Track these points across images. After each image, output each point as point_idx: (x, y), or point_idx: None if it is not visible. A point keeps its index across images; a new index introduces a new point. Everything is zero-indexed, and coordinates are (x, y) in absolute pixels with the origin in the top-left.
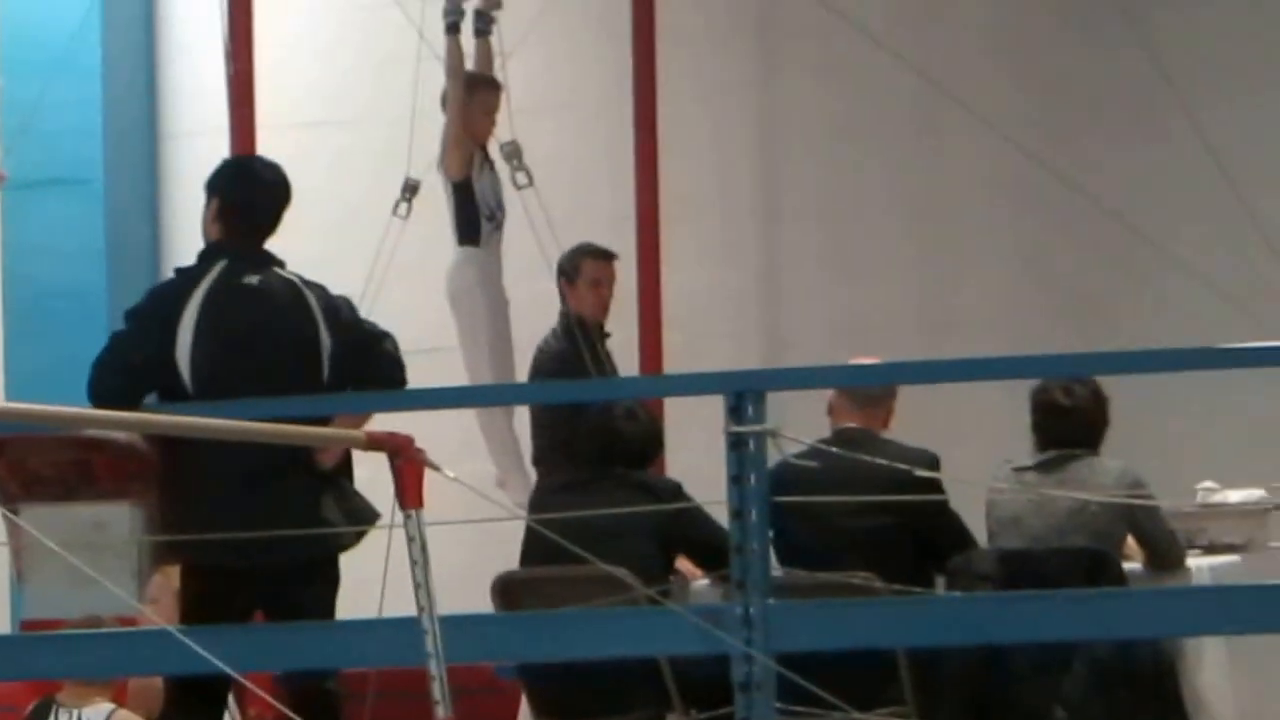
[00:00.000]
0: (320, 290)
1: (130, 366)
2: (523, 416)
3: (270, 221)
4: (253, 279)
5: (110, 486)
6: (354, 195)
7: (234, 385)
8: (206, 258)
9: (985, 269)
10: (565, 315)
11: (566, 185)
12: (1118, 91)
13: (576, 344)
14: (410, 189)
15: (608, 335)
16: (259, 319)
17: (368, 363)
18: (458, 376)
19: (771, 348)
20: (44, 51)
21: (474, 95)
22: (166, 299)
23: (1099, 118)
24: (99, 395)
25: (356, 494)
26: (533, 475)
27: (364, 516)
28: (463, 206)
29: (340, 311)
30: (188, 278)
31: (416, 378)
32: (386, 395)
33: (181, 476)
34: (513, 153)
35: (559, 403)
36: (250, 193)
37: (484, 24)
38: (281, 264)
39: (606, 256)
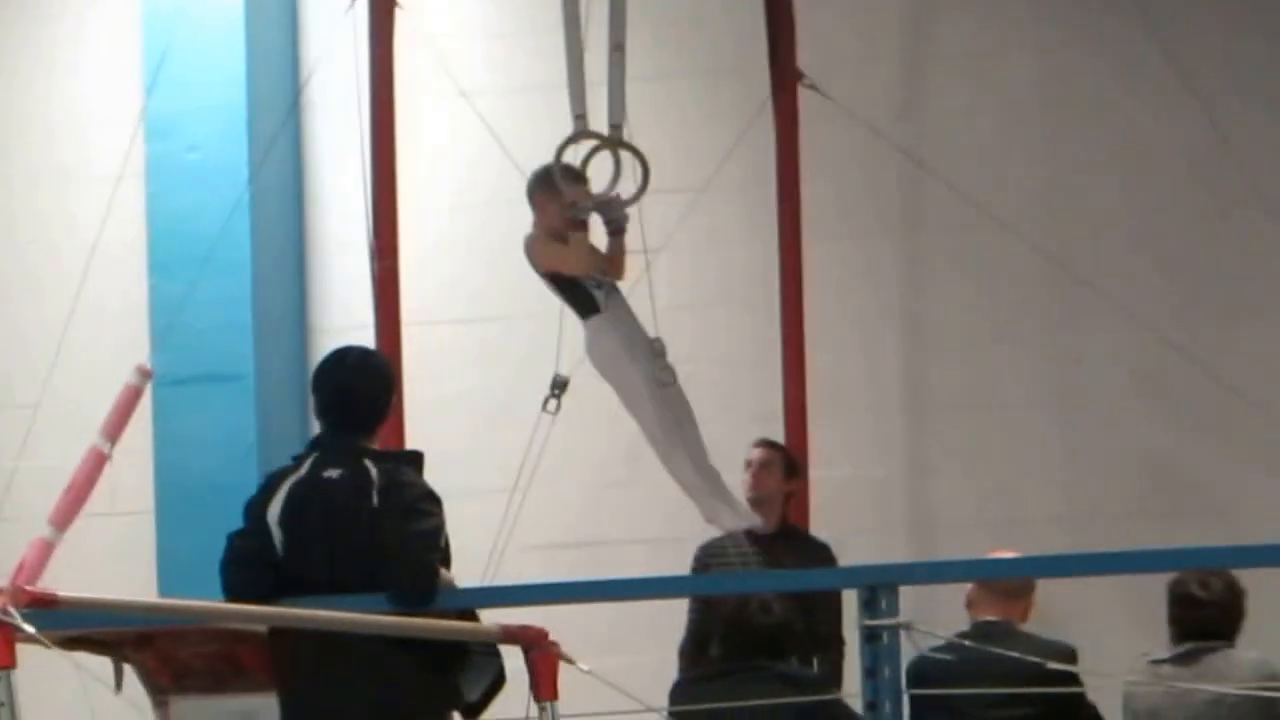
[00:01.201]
0: (394, 484)
1: (243, 560)
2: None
3: (351, 413)
4: (334, 473)
5: (257, 677)
6: (501, 391)
7: (310, 580)
8: (307, 451)
9: (1126, 462)
10: None
11: (713, 381)
12: (1261, 282)
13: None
14: (560, 385)
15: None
16: (328, 514)
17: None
18: (598, 569)
19: (917, 542)
20: (193, 247)
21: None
22: (262, 492)
23: (1241, 308)
24: (229, 589)
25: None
26: (741, 502)
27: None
28: (568, 290)
29: (399, 508)
30: (284, 471)
31: (562, 570)
32: (528, 588)
33: (284, 666)
34: (658, 350)
35: (703, 594)
36: (323, 386)
37: (618, 221)
38: (382, 455)
39: (761, 443)
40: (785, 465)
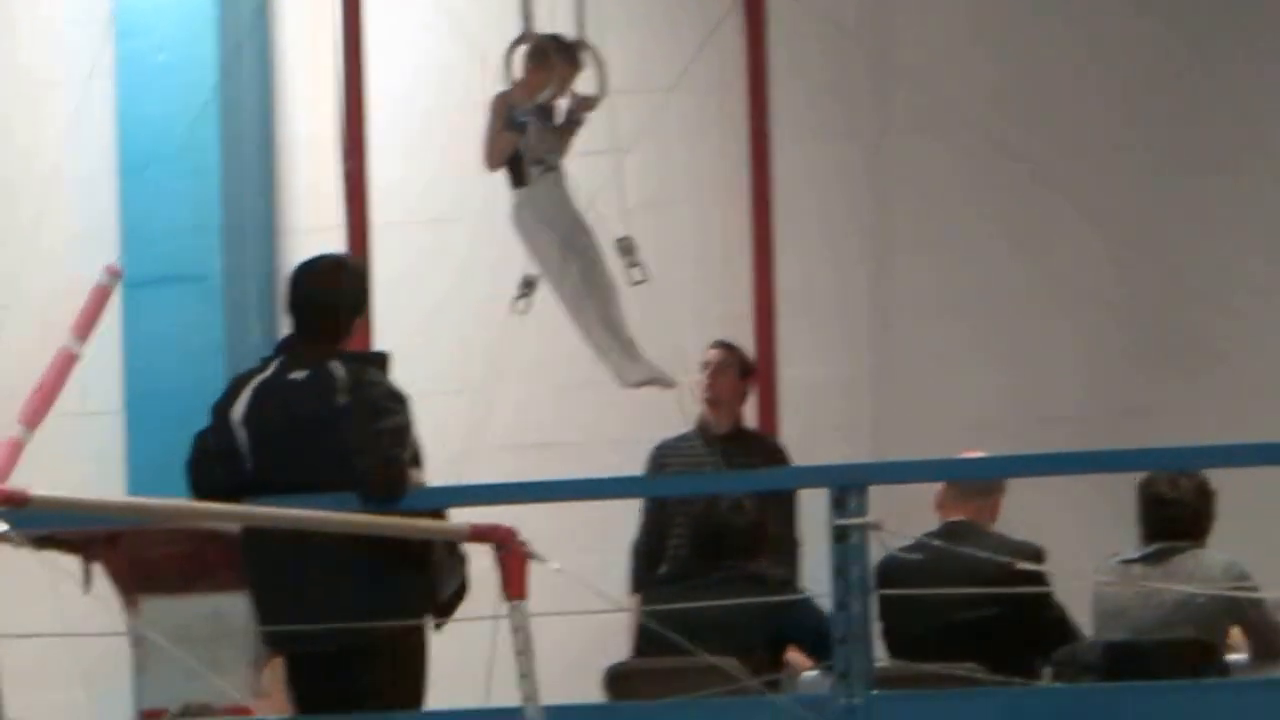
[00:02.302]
0: (359, 385)
1: (211, 459)
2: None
3: (320, 321)
4: (300, 374)
5: (226, 577)
6: (470, 291)
7: (275, 481)
8: (274, 353)
9: (1093, 363)
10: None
11: (682, 280)
12: (1229, 188)
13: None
14: (529, 285)
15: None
16: (293, 415)
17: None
18: (567, 469)
19: (883, 441)
20: (161, 149)
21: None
22: (227, 394)
23: (1208, 212)
24: (196, 488)
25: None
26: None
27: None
28: (512, 159)
29: (364, 407)
30: (250, 373)
31: (531, 470)
32: (495, 488)
33: (254, 567)
34: (628, 248)
35: (669, 496)
36: (295, 294)
37: (574, 121)
38: (348, 357)
39: (717, 345)
40: (740, 367)
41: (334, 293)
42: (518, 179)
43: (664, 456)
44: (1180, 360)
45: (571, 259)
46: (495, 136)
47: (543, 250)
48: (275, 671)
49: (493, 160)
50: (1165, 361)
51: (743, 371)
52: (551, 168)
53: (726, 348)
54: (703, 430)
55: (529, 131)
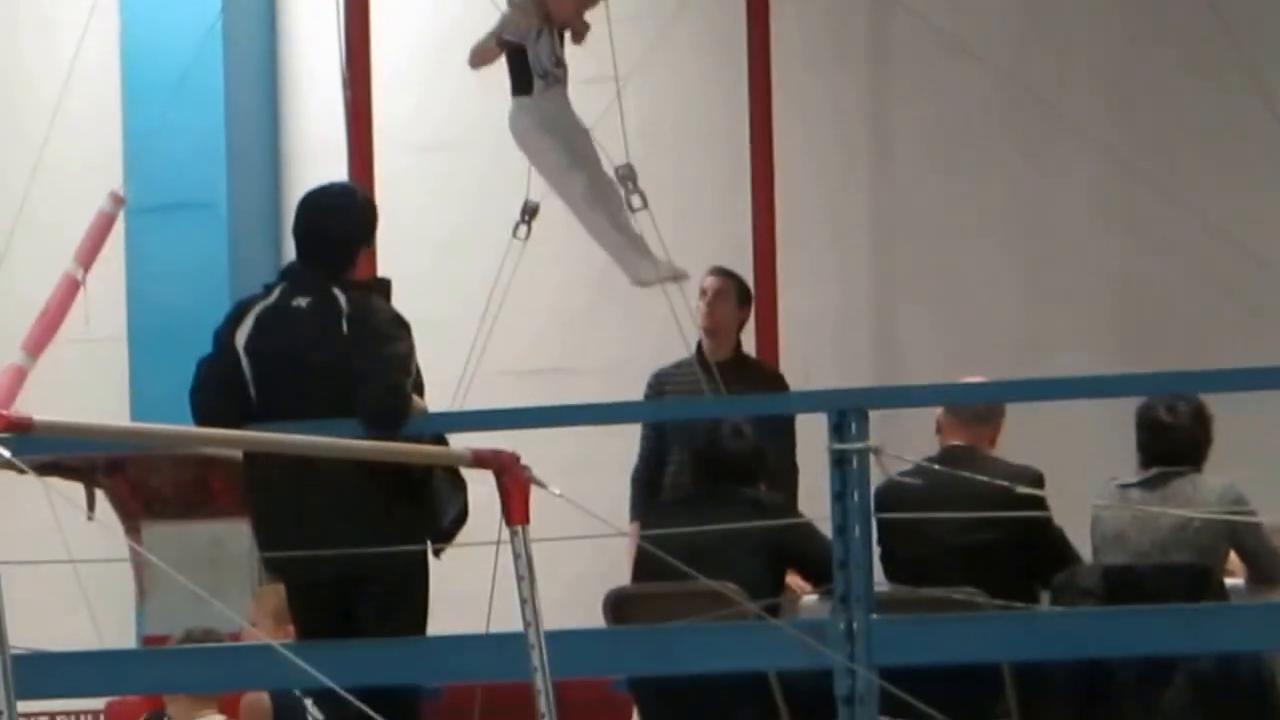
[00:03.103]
0: (362, 312)
1: (213, 387)
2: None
3: (325, 251)
4: (302, 301)
5: (227, 504)
6: (472, 217)
7: (278, 407)
8: (278, 280)
9: (1093, 288)
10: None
11: (683, 208)
12: (1221, 111)
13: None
14: (530, 211)
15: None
16: (295, 343)
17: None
18: (570, 395)
19: (882, 368)
20: (166, 75)
21: None
22: (231, 319)
23: (1203, 137)
24: (199, 415)
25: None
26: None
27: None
28: (515, 65)
29: (368, 333)
30: (253, 300)
31: (532, 397)
32: (496, 413)
33: (256, 494)
34: (628, 175)
35: (670, 420)
36: (303, 219)
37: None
38: (352, 284)
39: (715, 271)
40: (739, 293)
41: (342, 222)
42: (517, 85)
43: (662, 383)
44: (1193, 288)
45: (577, 164)
46: (487, 43)
47: (546, 156)
48: (262, 602)
49: (474, 60)
50: (1171, 284)
51: (741, 298)
52: (558, 80)
53: (725, 274)
54: (701, 357)
55: (538, 44)
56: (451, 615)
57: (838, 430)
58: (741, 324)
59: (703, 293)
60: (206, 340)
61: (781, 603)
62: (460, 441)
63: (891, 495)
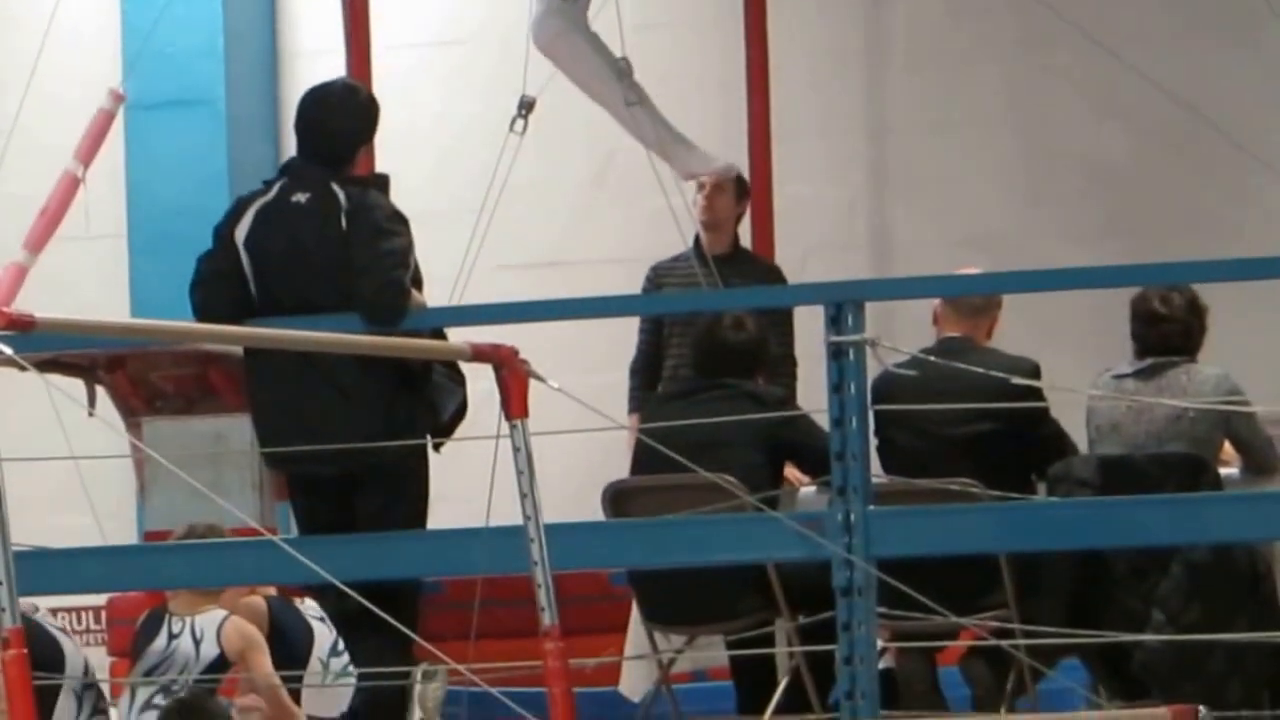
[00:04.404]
0: (361, 207)
1: (213, 283)
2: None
3: (326, 148)
4: (302, 197)
5: (227, 399)
6: (469, 112)
7: (277, 302)
8: (278, 176)
9: (1089, 182)
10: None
11: (678, 101)
12: (1224, 6)
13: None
14: (527, 106)
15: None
16: (295, 238)
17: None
18: (568, 289)
19: (878, 261)
20: None
21: None
22: (230, 216)
23: (1200, 26)
24: (199, 310)
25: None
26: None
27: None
28: None
29: (367, 229)
30: (253, 196)
31: (532, 291)
32: (496, 307)
33: (256, 389)
34: (624, 69)
35: (668, 314)
36: (305, 116)
37: None
38: (350, 179)
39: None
40: (737, 187)
41: (343, 119)
42: None
43: (660, 277)
44: (1185, 179)
45: (610, 65)
46: None
47: (582, 59)
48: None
49: None
50: (1167, 173)
51: (739, 192)
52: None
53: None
54: (699, 250)
55: None
56: (451, 510)
57: (835, 323)
58: (739, 218)
59: (700, 186)
60: (206, 237)
61: (780, 495)
62: (459, 336)
63: (888, 387)
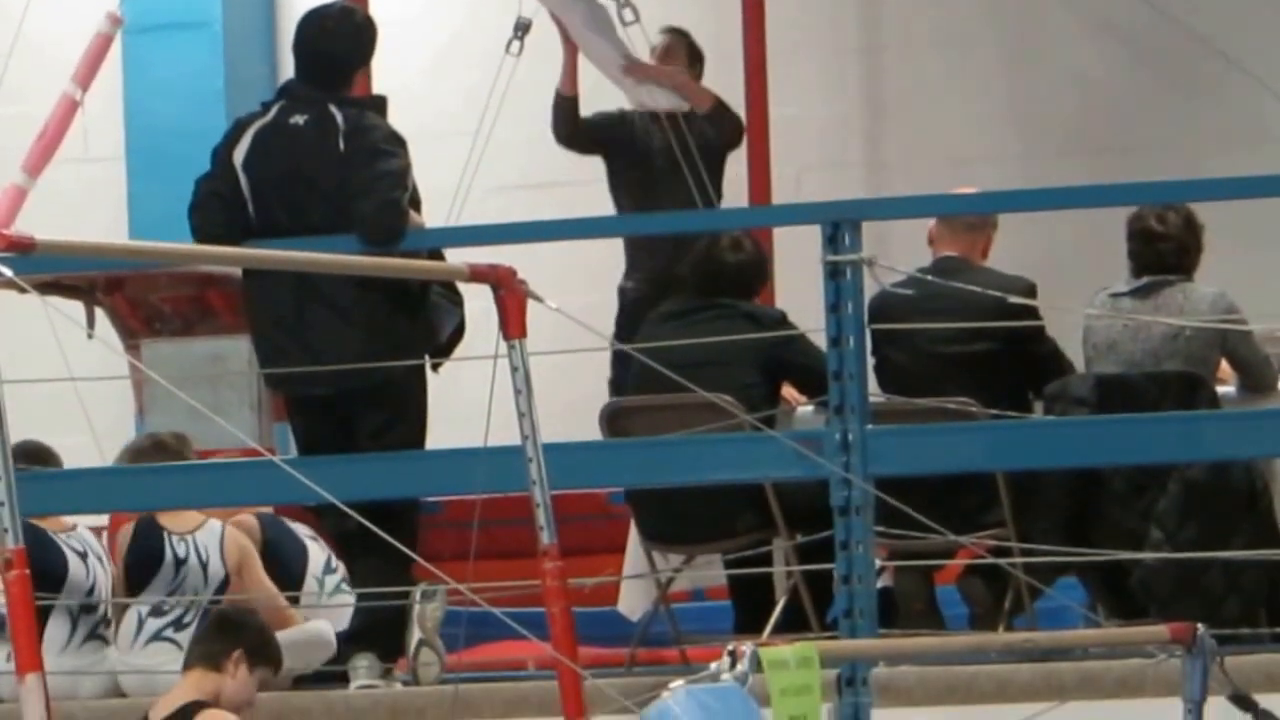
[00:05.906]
0: (359, 128)
1: (212, 204)
2: None
3: (324, 71)
4: (300, 118)
5: (226, 320)
6: (465, 34)
7: (276, 224)
8: (275, 98)
9: (1084, 100)
10: None
11: (671, 20)
12: None
13: None
14: (522, 27)
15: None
16: (293, 160)
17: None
18: (564, 210)
19: (872, 180)
20: None
21: None
22: (228, 138)
23: None
24: (198, 232)
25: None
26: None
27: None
28: None
29: (365, 150)
30: (251, 117)
31: (525, 212)
32: (494, 228)
33: (255, 310)
34: None
35: (664, 233)
36: (303, 37)
37: None
38: (348, 101)
39: (666, 30)
40: (688, 50)
41: (341, 41)
42: None
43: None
44: (1179, 97)
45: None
46: None
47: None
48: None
49: None
50: (1163, 97)
51: (691, 55)
52: None
53: (673, 31)
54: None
55: None
56: (449, 430)
57: (831, 242)
58: (698, 80)
59: (652, 51)
60: (204, 159)
61: (777, 414)
62: (457, 256)
63: (885, 306)
